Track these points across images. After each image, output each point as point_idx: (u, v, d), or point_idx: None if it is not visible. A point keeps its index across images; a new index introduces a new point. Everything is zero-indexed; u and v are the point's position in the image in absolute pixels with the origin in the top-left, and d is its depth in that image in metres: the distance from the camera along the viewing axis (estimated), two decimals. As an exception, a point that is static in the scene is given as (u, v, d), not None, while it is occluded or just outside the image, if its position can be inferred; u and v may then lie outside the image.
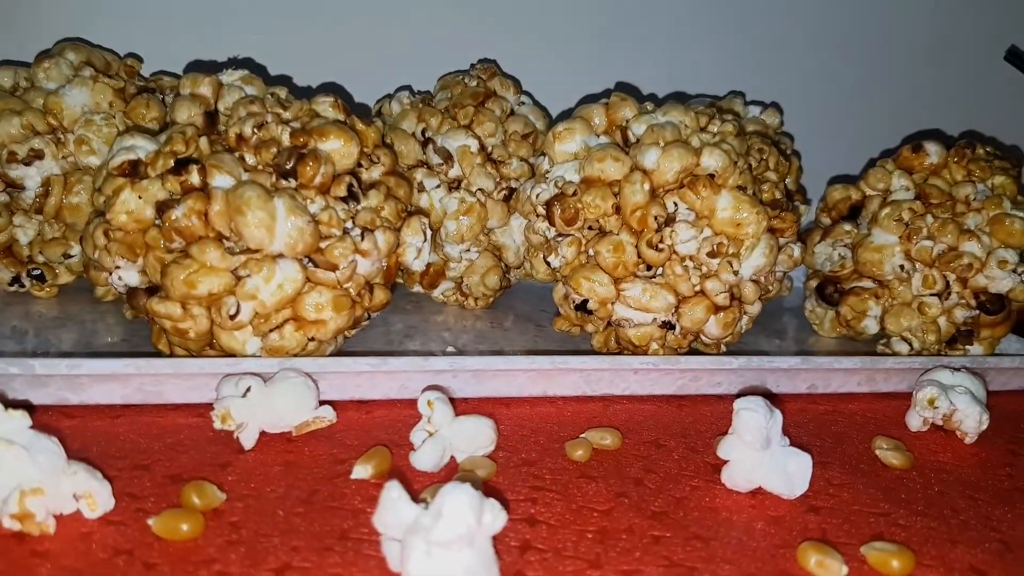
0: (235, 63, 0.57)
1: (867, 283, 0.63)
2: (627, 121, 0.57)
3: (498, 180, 0.63)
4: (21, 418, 0.38)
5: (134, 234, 0.48)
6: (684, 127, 0.55)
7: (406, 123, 0.64)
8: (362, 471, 0.43)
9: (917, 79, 0.88)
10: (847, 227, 0.64)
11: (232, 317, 0.47)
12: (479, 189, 0.62)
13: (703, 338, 0.56)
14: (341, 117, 0.53)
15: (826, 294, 0.65)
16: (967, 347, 0.61)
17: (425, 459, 0.44)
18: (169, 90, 0.62)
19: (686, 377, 0.55)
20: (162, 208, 0.47)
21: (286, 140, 0.49)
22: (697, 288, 0.54)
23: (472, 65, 0.69)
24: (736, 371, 0.55)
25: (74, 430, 0.45)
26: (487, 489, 0.42)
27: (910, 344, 0.61)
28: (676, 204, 0.53)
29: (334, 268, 0.49)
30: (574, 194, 0.53)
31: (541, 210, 0.57)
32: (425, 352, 0.59)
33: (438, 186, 0.62)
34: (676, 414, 0.53)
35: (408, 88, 0.70)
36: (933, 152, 0.63)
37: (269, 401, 0.45)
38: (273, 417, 0.46)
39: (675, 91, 0.83)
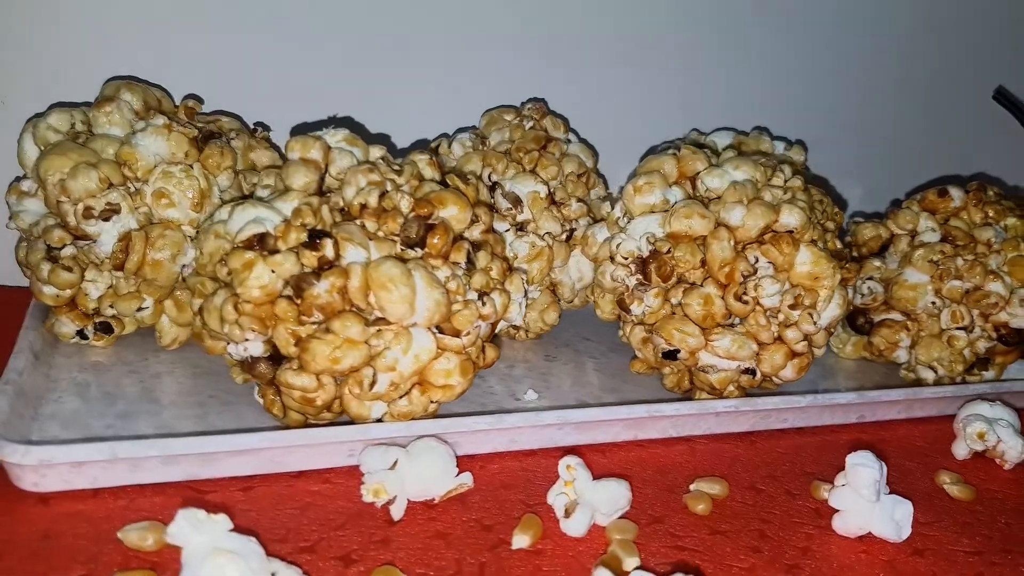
0: (334, 122, 0.57)
1: (896, 315, 0.69)
2: (698, 173, 0.60)
3: (562, 222, 0.65)
4: (223, 522, 0.38)
5: (264, 306, 0.48)
6: (756, 181, 0.59)
7: (470, 166, 0.64)
8: (521, 541, 0.45)
9: (908, 118, 0.94)
10: (876, 263, 0.69)
11: (370, 388, 0.48)
12: (547, 233, 0.64)
13: (774, 379, 0.60)
14: (438, 176, 0.54)
15: (857, 324, 0.70)
16: (982, 372, 0.68)
17: (576, 527, 0.46)
18: (233, 133, 0.61)
19: (758, 416, 0.60)
20: (300, 284, 0.46)
21: (403, 207, 0.50)
22: (776, 336, 0.58)
23: (522, 104, 0.70)
24: (802, 408, 0.60)
25: (217, 509, 0.45)
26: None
27: (935, 371, 0.67)
28: (757, 258, 0.57)
29: (459, 334, 0.50)
30: (668, 251, 0.56)
31: (621, 259, 0.59)
32: (505, 393, 0.61)
33: (507, 230, 0.64)
34: (753, 452, 0.57)
35: (471, 128, 0.71)
36: (957, 197, 0.68)
37: (415, 471, 0.47)
38: (419, 487, 0.47)
39: (686, 117, 0.86)
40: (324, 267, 0.47)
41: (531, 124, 0.68)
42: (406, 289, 0.46)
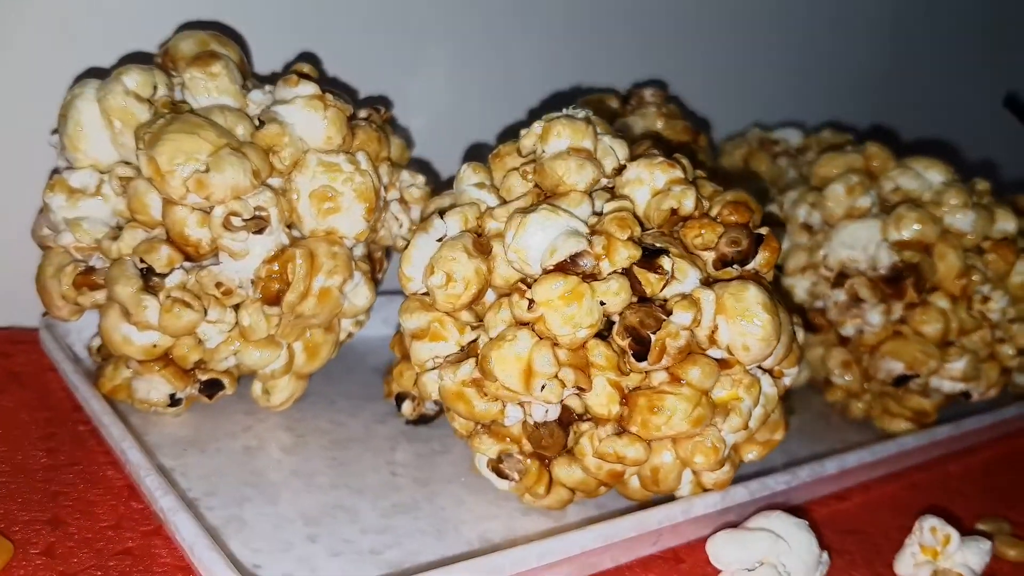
0: (573, 103, 0.41)
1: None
2: (888, 173, 0.54)
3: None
4: None
5: (579, 352, 0.34)
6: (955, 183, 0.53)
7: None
8: (934, 633, 0.36)
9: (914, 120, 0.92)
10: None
11: (722, 454, 0.36)
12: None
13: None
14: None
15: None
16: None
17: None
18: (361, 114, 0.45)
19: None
20: (646, 320, 0.34)
21: (689, 206, 0.38)
22: (990, 352, 0.53)
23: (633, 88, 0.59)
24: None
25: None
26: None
27: None
28: (978, 268, 0.51)
29: (784, 375, 0.39)
30: (919, 263, 0.48)
31: (827, 272, 0.51)
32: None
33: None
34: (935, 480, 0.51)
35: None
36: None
37: (793, 559, 0.36)
38: (797, 580, 0.36)
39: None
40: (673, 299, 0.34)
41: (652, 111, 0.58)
42: (774, 324, 0.35)
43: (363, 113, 0.44)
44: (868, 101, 0.88)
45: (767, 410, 0.37)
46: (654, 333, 0.34)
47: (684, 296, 0.35)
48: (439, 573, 0.29)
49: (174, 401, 0.41)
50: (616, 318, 0.35)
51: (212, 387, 0.41)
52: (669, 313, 0.34)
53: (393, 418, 0.46)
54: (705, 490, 0.38)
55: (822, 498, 0.46)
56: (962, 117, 0.93)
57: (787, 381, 0.40)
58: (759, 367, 0.37)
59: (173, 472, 0.38)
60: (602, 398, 0.35)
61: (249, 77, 0.43)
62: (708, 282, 0.36)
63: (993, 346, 0.53)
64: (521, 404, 0.35)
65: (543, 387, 0.33)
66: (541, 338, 0.34)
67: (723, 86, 0.79)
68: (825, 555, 0.38)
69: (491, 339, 0.34)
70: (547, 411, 0.35)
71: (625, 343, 0.34)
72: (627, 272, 0.34)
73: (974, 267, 0.51)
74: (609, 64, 0.69)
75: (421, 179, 0.45)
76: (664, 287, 0.35)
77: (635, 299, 0.35)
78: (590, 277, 0.34)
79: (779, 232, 0.55)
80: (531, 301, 0.34)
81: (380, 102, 0.49)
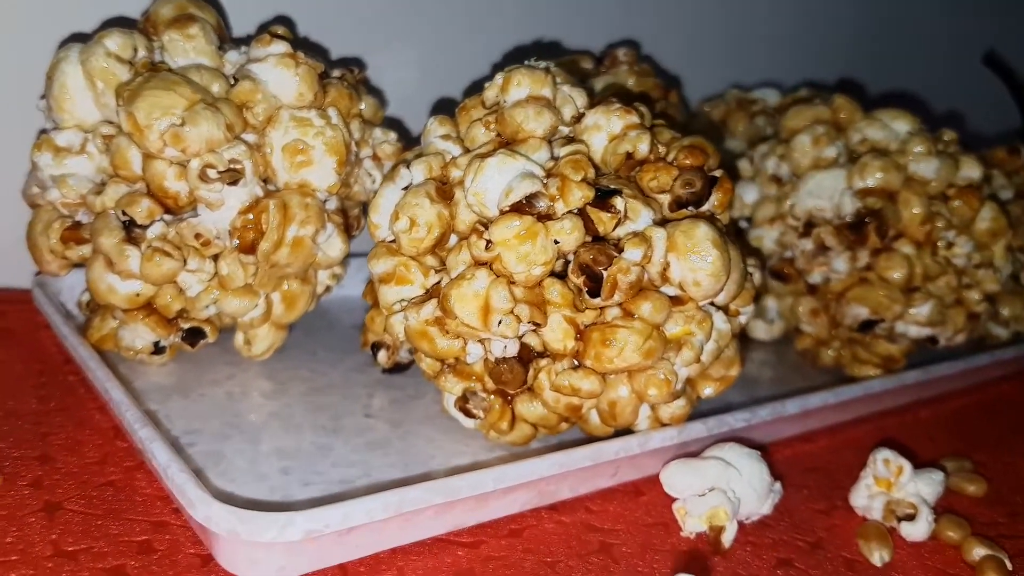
0: (535, 53, 0.43)
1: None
2: (855, 124, 0.55)
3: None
4: None
5: (535, 290, 0.36)
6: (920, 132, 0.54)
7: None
8: (878, 558, 0.37)
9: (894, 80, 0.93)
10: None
11: (674, 387, 0.37)
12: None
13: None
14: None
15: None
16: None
17: (919, 531, 0.39)
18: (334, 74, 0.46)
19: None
20: (599, 258, 0.35)
21: (644, 150, 0.39)
22: (956, 298, 0.54)
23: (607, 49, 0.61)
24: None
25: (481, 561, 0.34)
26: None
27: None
28: (943, 214, 0.53)
29: (739, 314, 0.41)
30: (881, 209, 0.50)
31: (794, 222, 0.53)
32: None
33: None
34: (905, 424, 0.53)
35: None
36: (1026, 153, 0.68)
37: (745, 487, 0.37)
38: (751, 506, 0.38)
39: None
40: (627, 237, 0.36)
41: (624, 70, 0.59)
42: (723, 259, 0.37)
43: (336, 73, 0.46)
44: (850, 61, 0.89)
45: (720, 345, 0.39)
46: (606, 270, 0.35)
47: (635, 234, 0.36)
48: (397, 493, 0.31)
49: (158, 349, 0.43)
50: (572, 257, 0.36)
51: (194, 335, 0.43)
52: (621, 250, 0.36)
53: (371, 368, 0.47)
54: (663, 425, 0.40)
55: (787, 439, 0.48)
56: (938, 73, 0.94)
57: (743, 319, 0.41)
58: (712, 304, 0.39)
59: (157, 414, 0.40)
60: (558, 333, 0.36)
61: (228, 40, 0.45)
62: (663, 223, 0.38)
63: (959, 291, 0.54)
64: (481, 341, 0.37)
65: (500, 322, 0.35)
66: (498, 276, 0.35)
67: (704, 48, 0.80)
68: (778, 485, 0.39)
69: (452, 279, 0.36)
70: (505, 347, 0.37)
71: (580, 280, 0.36)
72: (581, 212, 0.36)
73: (939, 213, 0.52)
74: (589, 27, 0.71)
75: (393, 135, 0.47)
76: (617, 227, 0.36)
77: (589, 238, 0.36)
78: (545, 217, 0.36)
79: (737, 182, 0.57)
80: (488, 241, 0.35)
81: (354, 63, 0.51)
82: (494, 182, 0.36)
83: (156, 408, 0.41)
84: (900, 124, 0.55)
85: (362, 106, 0.47)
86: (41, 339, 0.47)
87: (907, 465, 0.40)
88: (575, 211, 0.36)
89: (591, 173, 0.37)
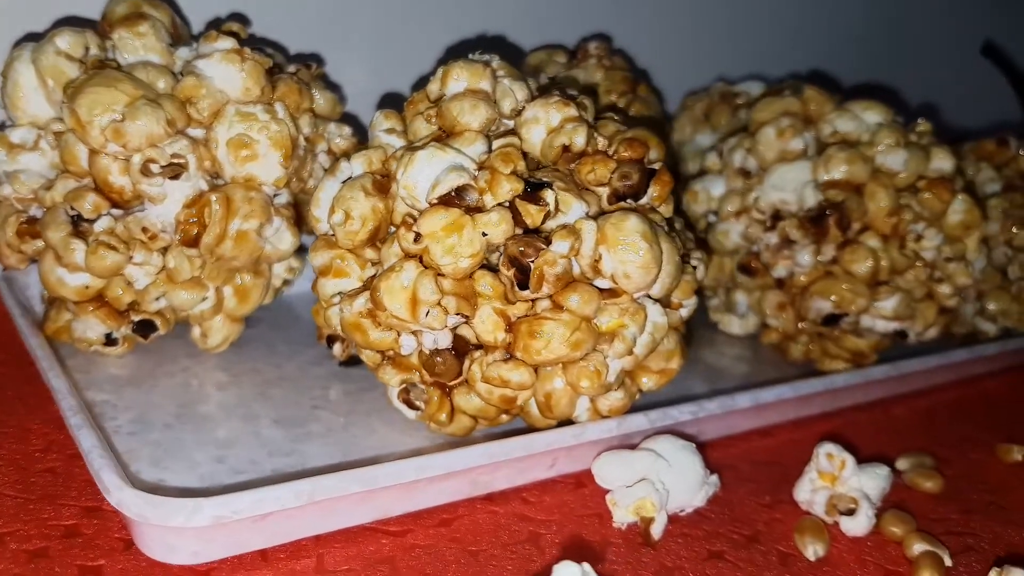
0: (480, 46, 0.43)
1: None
2: (826, 116, 0.54)
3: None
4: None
5: (465, 283, 0.36)
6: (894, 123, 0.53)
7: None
8: (812, 552, 0.37)
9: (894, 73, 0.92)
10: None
11: (606, 379, 0.37)
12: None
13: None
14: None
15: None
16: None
17: (859, 525, 0.39)
18: (290, 69, 0.47)
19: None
20: (527, 250, 0.35)
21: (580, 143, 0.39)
22: (927, 292, 0.53)
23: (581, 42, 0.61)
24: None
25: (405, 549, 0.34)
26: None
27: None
28: (912, 207, 0.52)
29: (680, 307, 0.41)
30: (843, 202, 0.49)
31: (758, 214, 0.52)
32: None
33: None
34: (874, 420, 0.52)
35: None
36: (1014, 146, 0.67)
37: (675, 479, 0.37)
38: (682, 498, 0.38)
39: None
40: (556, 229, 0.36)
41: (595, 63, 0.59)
42: (653, 252, 0.36)
43: (291, 68, 0.46)
44: (848, 54, 0.88)
45: (655, 338, 0.39)
46: (533, 262, 0.35)
47: (564, 227, 0.36)
48: (311, 481, 0.31)
49: (110, 340, 0.44)
50: (502, 249, 0.36)
51: (145, 327, 0.44)
52: (549, 243, 0.36)
53: (329, 360, 0.48)
54: (603, 417, 0.40)
55: (743, 433, 0.47)
56: (934, 64, 0.92)
57: (684, 312, 0.41)
58: (649, 296, 0.39)
59: (107, 404, 0.41)
60: (488, 325, 0.36)
61: (185, 38, 0.46)
62: (597, 216, 0.38)
63: (930, 285, 0.53)
64: (413, 333, 0.37)
65: (427, 314, 0.35)
66: (427, 268, 0.36)
67: (699, 41, 0.80)
68: (714, 477, 0.39)
69: (382, 271, 0.36)
70: (436, 339, 0.37)
71: (510, 272, 0.36)
72: (511, 205, 0.36)
73: (907, 206, 0.51)
74: (573, 20, 0.71)
75: (347, 130, 0.47)
76: (546, 219, 0.36)
77: (520, 231, 0.36)
78: (475, 210, 0.36)
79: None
80: (417, 234, 0.36)
81: (313, 59, 0.51)
82: (424, 175, 0.36)
83: (107, 398, 0.41)
84: (871, 115, 0.54)
85: (320, 101, 0.48)
86: (3, 333, 0.48)
87: (850, 459, 0.40)
88: (504, 204, 0.36)
89: (521, 166, 0.37)
